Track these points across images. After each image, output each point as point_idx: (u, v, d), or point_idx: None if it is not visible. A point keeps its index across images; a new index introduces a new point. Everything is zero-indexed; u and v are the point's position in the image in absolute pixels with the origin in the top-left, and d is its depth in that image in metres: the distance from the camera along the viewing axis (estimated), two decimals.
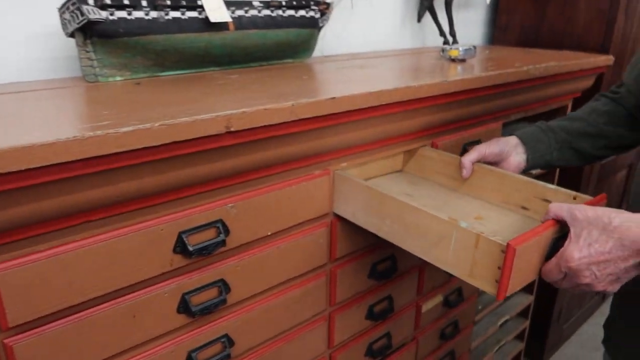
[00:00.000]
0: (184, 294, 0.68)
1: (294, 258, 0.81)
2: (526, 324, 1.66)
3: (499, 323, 1.48)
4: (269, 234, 0.76)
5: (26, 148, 0.46)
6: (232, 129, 0.61)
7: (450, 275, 0.98)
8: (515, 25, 1.75)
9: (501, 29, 1.78)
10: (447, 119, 0.98)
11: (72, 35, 0.83)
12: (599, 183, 1.81)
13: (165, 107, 0.63)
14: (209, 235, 0.68)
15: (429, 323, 1.18)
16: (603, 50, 1.56)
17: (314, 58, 1.19)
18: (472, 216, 0.82)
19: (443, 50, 1.22)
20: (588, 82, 1.41)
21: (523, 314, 1.66)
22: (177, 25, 0.88)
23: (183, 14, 0.89)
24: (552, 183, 1.50)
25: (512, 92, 1.10)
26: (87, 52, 0.83)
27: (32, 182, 0.49)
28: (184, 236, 0.65)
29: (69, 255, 0.56)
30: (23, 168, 0.47)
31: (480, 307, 1.38)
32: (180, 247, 0.65)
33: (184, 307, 0.68)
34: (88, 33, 0.82)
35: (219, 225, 0.69)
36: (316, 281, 0.86)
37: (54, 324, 0.57)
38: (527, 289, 1.63)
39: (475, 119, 1.08)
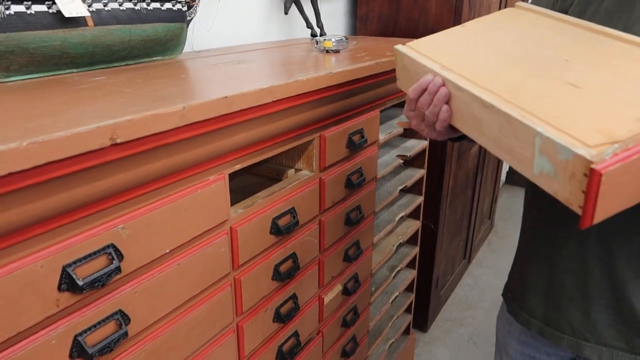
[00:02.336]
0: (76, 336, 0.58)
1: (196, 273, 0.74)
2: (412, 297, 1.77)
3: (391, 300, 1.55)
4: (167, 251, 0.68)
5: None
6: (117, 141, 0.53)
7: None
8: (374, 16, 1.82)
9: (362, 20, 1.84)
10: (332, 111, 0.98)
11: None
12: (459, 158, 1.98)
13: (23, 121, 0.52)
14: (100, 263, 0.59)
15: (331, 313, 1.19)
16: None
17: (185, 54, 1.11)
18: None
19: (317, 42, 1.21)
20: None
21: (409, 288, 1.76)
22: (23, 22, 0.75)
23: (28, 8, 0.76)
24: (423, 167, 1.60)
25: (388, 80, 1.14)
26: None
27: None
28: (69, 270, 0.55)
29: None
30: None
31: (373, 289, 1.43)
32: (67, 283, 0.55)
33: (78, 350, 0.59)
34: None
35: (111, 250, 0.60)
36: (221, 293, 0.80)
37: None
38: (411, 264, 1.73)
39: (357, 109, 1.09)
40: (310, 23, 1.54)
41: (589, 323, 0.77)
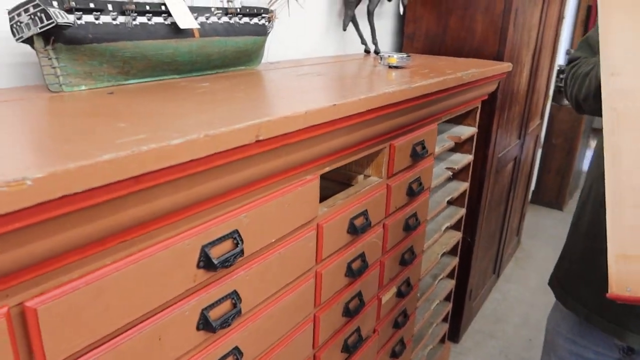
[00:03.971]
0: (203, 310, 0.66)
1: (290, 262, 0.82)
2: (450, 306, 1.82)
3: (432, 307, 1.61)
4: (273, 240, 0.76)
5: (68, 171, 0.43)
6: (260, 138, 0.61)
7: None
8: (421, 34, 1.90)
9: (409, 38, 1.93)
10: (402, 122, 1.06)
11: (27, 40, 0.75)
12: (497, 174, 2.05)
13: (179, 118, 0.60)
14: (227, 246, 0.67)
15: (386, 314, 1.25)
16: (498, 57, 1.77)
17: (262, 65, 1.19)
18: None
19: (381, 57, 1.30)
20: (494, 86, 1.60)
21: (447, 297, 1.81)
22: (145, 32, 0.84)
23: (149, 19, 0.85)
24: (466, 180, 1.67)
25: (449, 95, 1.21)
26: (49, 59, 0.76)
27: (72, 209, 0.45)
28: (206, 249, 0.63)
29: (104, 281, 0.52)
30: (84, 189, 0.43)
31: (418, 295, 1.49)
32: (204, 261, 0.63)
33: (203, 323, 0.66)
34: (51, 38, 0.74)
35: (236, 235, 0.67)
36: (307, 283, 0.88)
37: (87, 356, 0.53)
38: (450, 274, 1.79)
39: (420, 122, 1.17)
40: (364, 40, 1.63)
41: (635, 313, 0.84)
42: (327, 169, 0.87)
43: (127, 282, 0.54)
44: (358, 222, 0.99)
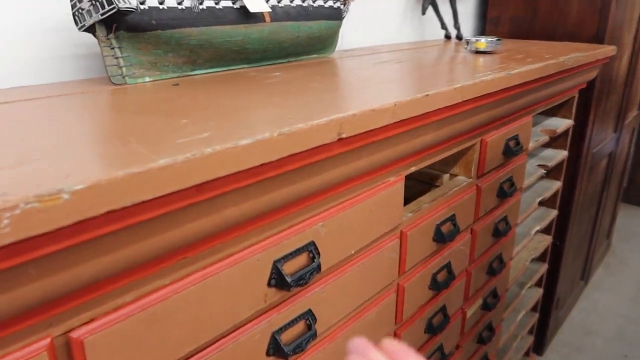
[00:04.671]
0: (273, 333, 0.57)
1: (370, 276, 0.72)
2: (536, 317, 1.65)
3: (518, 318, 1.46)
4: (352, 252, 0.66)
5: (141, 174, 0.35)
6: (343, 135, 0.51)
7: None
8: (506, 18, 1.73)
9: (492, 22, 1.75)
10: (494, 114, 0.92)
11: (89, 29, 0.70)
12: (590, 171, 1.84)
13: (246, 114, 0.52)
14: (302, 261, 0.58)
15: (470, 328, 1.12)
16: (597, 40, 1.57)
17: (336, 52, 1.10)
18: None
19: (467, 42, 1.16)
20: (594, 73, 1.41)
21: (534, 307, 1.65)
22: (213, 17, 0.76)
23: (217, 3, 0.77)
24: (559, 179, 1.49)
25: (548, 84, 1.06)
26: (112, 48, 0.70)
27: (136, 220, 0.37)
28: (279, 265, 0.54)
29: (162, 305, 0.44)
30: (133, 202, 0.35)
31: (505, 306, 1.34)
32: (275, 278, 0.54)
33: (274, 348, 0.58)
34: (113, 26, 0.68)
35: (312, 248, 0.58)
36: (387, 298, 0.77)
37: None
38: (538, 282, 1.62)
39: (515, 114, 1.03)
40: (445, 24, 1.49)
41: None
42: (412, 169, 0.76)
43: (189, 305, 0.46)
44: (445, 228, 0.87)
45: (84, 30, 0.70)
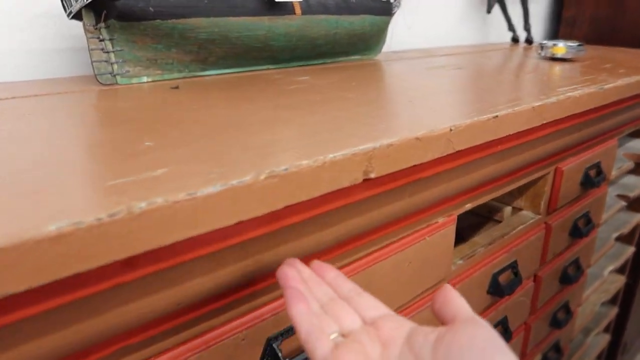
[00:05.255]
0: None
1: None
2: None
3: None
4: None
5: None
6: (371, 175, 0.35)
7: None
8: (584, 19, 1.50)
9: (568, 23, 1.54)
10: (576, 138, 0.74)
11: (77, 16, 0.57)
12: None
13: (241, 135, 0.37)
14: None
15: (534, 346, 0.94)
16: None
17: (383, 54, 0.94)
18: None
19: (542, 47, 0.97)
20: None
21: (599, 355, 1.42)
22: (228, 5, 0.62)
23: None
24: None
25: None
26: (101, 40, 0.57)
27: (37, 311, 0.23)
28: (274, 345, 0.39)
29: None
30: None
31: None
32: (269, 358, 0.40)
33: None
34: (102, 13, 0.56)
35: None
36: None
37: None
38: (606, 328, 1.39)
39: (598, 137, 0.83)
40: (513, 25, 1.29)
41: None
42: (467, 207, 0.59)
43: None
44: (504, 278, 0.70)
45: (73, 18, 0.58)
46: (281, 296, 0.40)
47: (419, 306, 0.56)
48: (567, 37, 1.54)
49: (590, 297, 1.21)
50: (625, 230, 1.20)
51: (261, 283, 0.37)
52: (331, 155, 0.32)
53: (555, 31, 1.60)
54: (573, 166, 0.78)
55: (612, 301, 1.37)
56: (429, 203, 0.50)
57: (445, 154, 0.41)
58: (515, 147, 0.55)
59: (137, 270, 0.26)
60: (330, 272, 0.34)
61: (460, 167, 0.47)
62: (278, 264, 0.36)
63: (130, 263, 0.25)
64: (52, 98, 0.52)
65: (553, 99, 0.54)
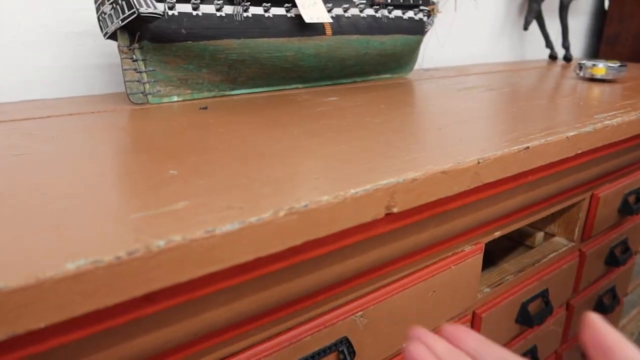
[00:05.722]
0: None
1: None
2: None
3: None
4: (404, 346, 0.49)
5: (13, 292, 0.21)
6: (394, 210, 0.35)
7: None
8: (628, 37, 1.46)
9: (609, 41, 1.49)
10: (614, 165, 0.71)
11: (113, 36, 0.59)
12: None
13: (262, 165, 0.37)
14: None
15: None
16: None
17: (416, 71, 0.93)
18: None
19: (580, 67, 0.94)
20: None
21: None
22: (259, 27, 0.63)
23: (267, 10, 0.64)
24: None
25: None
26: (134, 61, 0.58)
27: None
28: None
29: None
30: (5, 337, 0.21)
31: None
32: None
33: None
34: (136, 34, 0.57)
35: (344, 347, 0.42)
36: None
37: None
38: None
39: (637, 163, 0.80)
40: (550, 42, 1.26)
41: None
42: (496, 234, 0.58)
43: None
44: (533, 307, 0.67)
45: (109, 38, 0.60)
46: (300, 324, 0.40)
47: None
48: (608, 55, 1.49)
49: (627, 326, 1.16)
50: None
51: (279, 312, 0.37)
52: (353, 191, 0.32)
53: (596, 49, 1.55)
54: (610, 192, 0.76)
55: None
56: (455, 233, 0.48)
57: (472, 187, 0.40)
58: (548, 177, 0.54)
59: (154, 305, 0.26)
60: (470, 337, 0.28)
61: (488, 198, 0.46)
62: (298, 294, 0.36)
63: (147, 298, 0.25)
64: (84, 117, 0.53)
65: (589, 128, 0.53)
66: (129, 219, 0.27)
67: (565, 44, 1.24)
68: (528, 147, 0.44)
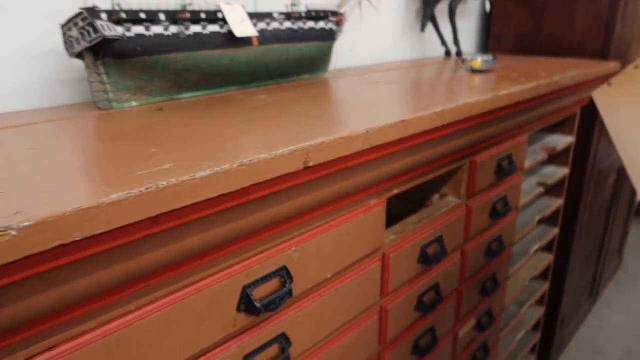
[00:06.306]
0: (245, 357, 0.58)
1: (350, 299, 0.72)
2: (538, 336, 1.63)
3: (518, 339, 1.44)
4: (329, 276, 0.67)
5: (90, 210, 0.36)
6: (310, 164, 0.52)
7: None
8: (509, 34, 1.72)
9: (495, 38, 1.75)
10: (484, 135, 0.92)
11: (79, 55, 0.72)
12: (597, 188, 1.81)
13: (216, 141, 0.53)
14: (273, 286, 0.58)
15: (463, 349, 1.12)
16: (602, 56, 1.55)
17: (330, 72, 1.11)
18: None
19: (463, 61, 1.16)
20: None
21: (535, 326, 1.62)
22: (199, 42, 0.78)
23: (204, 28, 0.79)
24: (561, 196, 1.48)
25: (543, 103, 1.06)
26: (99, 74, 0.72)
27: (88, 253, 0.38)
28: (248, 291, 0.55)
29: (125, 331, 0.45)
30: (83, 236, 0.36)
31: (502, 325, 1.33)
32: (245, 304, 0.55)
33: None
34: (100, 53, 0.70)
35: (284, 273, 0.59)
36: (369, 321, 0.77)
37: None
38: (540, 301, 1.59)
39: (507, 133, 1.02)
40: (445, 41, 1.49)
41: None
42: (395, 192, 0.76)
43: (153, 331, 0.47)
44: (431, 250, 0.87)
45: (76, 57, 0.72)
46: (252, 257, 0.56)
47: (361, 269, 0.72)
48: (495, 50, 1.76)
49: (519, 273, 1.41)
50: (548, 213, 1.41)
51: (238, 244, 0.53)
52: (281, 151, 0.48)
53: (486, 45, 1.81)
54: (486, 159, 0.97)
55: (544, 277, 1.57)
56: (361, 188, 0.66)
57: (364, 149, 0.58)
58: (426, 143, 0.73)
59: (159, 226, 0.41)
60: None
61: (380, 158, 0.64)
62: (250, 229, 0.52)
63: (156, 220, 0.40)
64: (64, 122, 0.66)
65: (452, 106, 0.72)
66: (137, 174, 0.42)
67: (456, 42, 1.48)
68: (404, 120, 0.63)
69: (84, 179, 0.41)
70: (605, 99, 0.52)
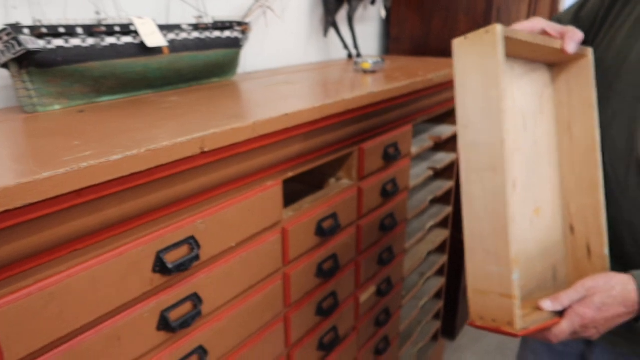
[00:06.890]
0: (162, 312, 0.71)
1: (255, 265, 0.86)
2: (441, 304, 1.85)
3: (420, 305, 1.64)
4: (234, 244, 0.81)
5: (28, 183, 0.48)
6: (205, 150, 0.65)
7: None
8: (406, 37, 1.94)
9: (394, 41, 1.96)
10: (370, 125, 1.10)
11: (4, 65, 0.81)
12: None
13: (132, 134, 0.66)
14: (183, 252, 0.72)
15: (366, 312, 1.29)
16: None
17: (238, 75, 1.24)
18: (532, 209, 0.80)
19: (355, 63, 1.34)
20: None
21: (438, 295, 1.84)
22: (114, 51, 0.89)
23: (119, 39, 0.90)
24: (452, 179, 1.70)
25: (420, 98, 1.25)
26: (24, 82, 0.81)
27: (28, 218, 0.50)
28: (161, 255, 0.68)
29: (58, 287, 0.57)
30: (23, 204, 0.48)
31: (404, 293, 1.52)
32: (159, 266, 0.68)
33: (163, 324, 0.71)
34: (24, 63, 0.80)
35: (192, 241, 0.72)
36: (274, 285, 0.92)
37: (46, 356, 0.58)
38: (440, 272, 1.81)
39: (392, 124, 1.21)
40: (346, 45, 1.67)
41: None
42: (290, 174, 0.91)
43: (81, 287, 0.59)
44: (326, 224, 1.03)
45: (1, 67, 0.82)
46: (164, 227, 0.69)
47: (263, 239, 0.87)
48: (395, 51, 1.96)
49: (418, 247, 1.61)
50: (439, 193, 1.62)
51: (152, 216, 0.66)
52: (181, 139, 0.62)
53: (387, 47, 2.02)
54: (373, 146, 1.15)
55: (441, 250, 1.79)
56: (256, 170, 0.81)
57: (252, 137, 0.72)
58: (312, 132, 0.88)
59: (82, 198, 0.53)
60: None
61: (269, 145, 0.79)
62: (162, 203, 0.65)
63: (80, 193, 0.53)
64: (5, 123, 0.76)
65: (330, 101, 0.89)
66: (62, 160, 0.54)
67: (355, 45, 1.66)
68: (287, 114, 0.78)
69: (20, 164, 0.53)
70: (460, 48, 0.65)
